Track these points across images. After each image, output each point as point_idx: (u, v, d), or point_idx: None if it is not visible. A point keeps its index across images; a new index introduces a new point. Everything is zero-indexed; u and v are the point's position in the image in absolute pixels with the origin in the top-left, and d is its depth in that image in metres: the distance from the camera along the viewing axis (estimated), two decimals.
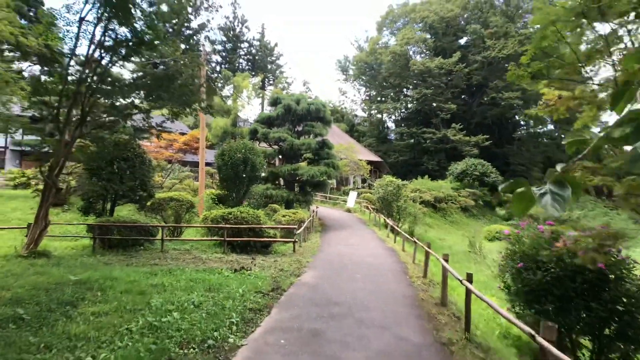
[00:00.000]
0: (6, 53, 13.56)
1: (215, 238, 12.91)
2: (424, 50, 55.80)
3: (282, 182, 22.14)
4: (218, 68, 68.90)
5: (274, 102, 22.30)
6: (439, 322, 6.82)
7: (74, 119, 10.34)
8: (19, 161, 24.27)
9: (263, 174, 20.25)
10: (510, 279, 7.59)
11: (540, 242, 7.24)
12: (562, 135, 60.93)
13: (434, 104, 53.46)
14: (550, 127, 62.09)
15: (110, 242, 11.67)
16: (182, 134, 26.30)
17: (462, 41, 57.93)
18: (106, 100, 11.04)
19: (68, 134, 9.93)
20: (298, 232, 13.32)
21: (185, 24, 13.80)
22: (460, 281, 6.38)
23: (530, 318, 6.86)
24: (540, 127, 62.06)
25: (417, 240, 12.52)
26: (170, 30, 12.85)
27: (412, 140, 55.48)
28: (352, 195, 30.08)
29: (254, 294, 7.41)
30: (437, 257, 8.57)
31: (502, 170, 45.37)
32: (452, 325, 6.90)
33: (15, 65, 12.82)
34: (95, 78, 10.37)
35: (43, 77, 11.01)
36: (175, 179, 22.13)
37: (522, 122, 63.80)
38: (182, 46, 12.74)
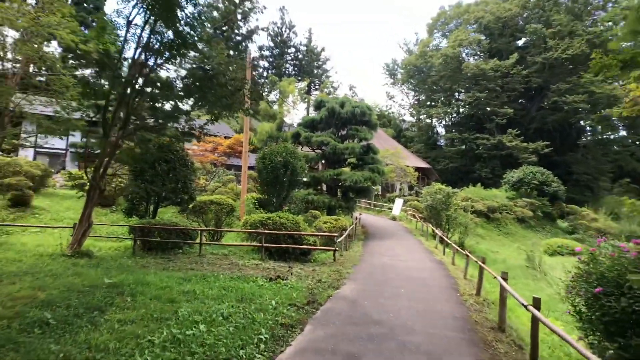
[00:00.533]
0: (71, 61, 14.37)
1: (252, 244, 12.66)
2: (478, 52, 53.27)
3: (324, 188, 21.69)
4: (265, 73, 70.36)
5: (318, 106, 21.95)
6: (496, 352, 5.94)
7: (120, 122, 10.53)
8: (78, 162, 25.90)
9: (305, 179, 19.91)
10: (584, 304, 6.52)
11: (623, 263, 6.17)
12: (637, 142, 55.44)
13: (488, 109, 50.66)
14: (622, 133, 56.75)
15: (150, 245, 11.78)
16: (227, 137, 26.74)
17: (520, 42, 54.58)
18: (151, 103, 11.17)
19: (113, 136, 10.12)
20: (339, 240, 12.74)
21: (235, 31, 13.90)
22: (525, 307, 5.48)
23: (613, 354, 5.78)
24: (609, 133, 56.89)
25: (469, 254, 11.46)
26: (221, 36, 13.02)
27: (464, 147, 52.96)
28: (398, 202, 28.98)
29: (288, 307, 6.93)
30: (494, 274, 7.62)
31: (563, 179, 41.91)
32: (513, 355, 6.01)
33: (78, 72, 13.54)
34: (140, 80, 10.52)
35: (93, 81, 11.33)
36: (219, 182, 22.41)
37: (587, 128, 58.89)
38: (231, 52, 12.78)
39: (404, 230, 22.81)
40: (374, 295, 8.38)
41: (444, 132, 65.02)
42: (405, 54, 68.49)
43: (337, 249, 12.43)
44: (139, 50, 10.55)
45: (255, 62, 65.99)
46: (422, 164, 47.01)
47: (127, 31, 10.42)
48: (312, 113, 38.02)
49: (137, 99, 10.28)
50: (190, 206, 14.06)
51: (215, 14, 12.61)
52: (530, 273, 19.29)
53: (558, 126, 51.83)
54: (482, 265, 9.11)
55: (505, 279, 7.09)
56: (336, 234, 12.56)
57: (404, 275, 10.78)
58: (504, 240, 31.80)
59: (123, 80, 10.37)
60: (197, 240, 12.32)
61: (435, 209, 21.90)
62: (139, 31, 10.52)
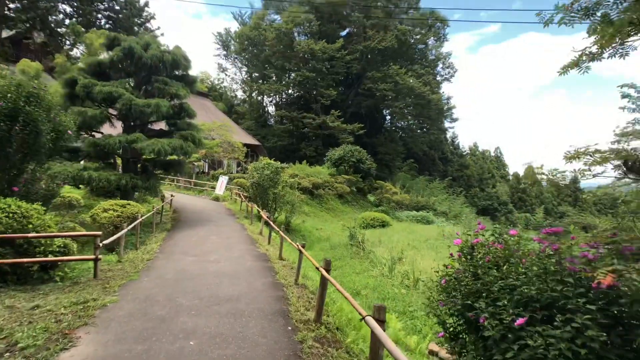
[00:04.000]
0: None
1: None
2: (309, 33, 51.96)
3: (118, 162, 15.22)
4: (67, 21, 53.06)
5: (111, 45, 14.76)
6: None
7: None
8: None
9: (83, 147, 13.09)
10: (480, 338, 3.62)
11: (547, 266, 3.48)
12: (418, 130, 65.15)
13: (314, 92, 50.42)
14: (410, 122, 65.82)
15: None
16: None
17: (344, 32, 56.11)
18: None
19: None
20: (105, 241, 7.40)
21: None
22: None
23: None
24: (402, 121, 65.19)
25: (302, 249, 7.83)
26: None
27: (292, 126, 51.67)
28: (222, 180, 24.27)
29: None
30: (361, 313, 4.06)
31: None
32: None
33: None
34: None
35: None
36: None
37: (388, 117, 66.14)
38: None
39: (225, 213, 18.43)
40: None
41: (274, 111, 62.79)
42: (239, 25, 62.37)
43: (98, 257, 7.10)
44: None
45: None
46: (252, 141, 43.38)
47: None
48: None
49: None
50: None
51: None
52: (354, 251, 17.83)
53: (369, 112, 55.84)
54: (325, 275, 5.52)
55: (380, 321, 3.55)
56: (99, 234, 7.21)
57: (208, 294, 6.48)
58: (326, 216, 31.12)
59: None
60: None
61: (262, 186, 18.27)
62: None
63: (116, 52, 14.05)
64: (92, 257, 7.08)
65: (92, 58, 14.50)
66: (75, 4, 56.49)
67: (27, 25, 46.28)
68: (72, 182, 12.13)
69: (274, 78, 56.59)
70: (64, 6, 53.51)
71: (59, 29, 52.49)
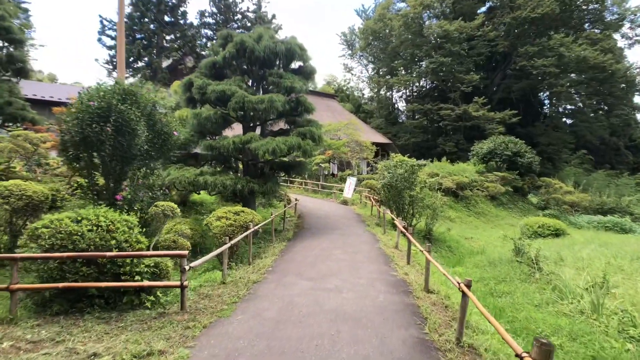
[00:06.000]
0: None
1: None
2: (440, 14, 46.84)
3: (239, 166, 14.70)
4: (209, 44, 60.85)
5: (225, 42, 14.52)
6: None
7: None
8: None
9: (199, 150, 12.79)
10: None
11: None
12: (592, 114, 52.02)
13: (451, 79, 44.86)
14: (580, 103, 52.96)
15: None
16: None
17: (485, 7, 48.85)
18: None
19: None
20: (192, 264, 5.85)
21: None
22: None
23: None
24: (567, 104, 53.15)
25: (467, 291, 4.85)
26: None
27: (426, 121, 47.13)
28: (350, 182, 22.40)
29: None
30: None
31: None
32: None
33: None
34: None
35: None
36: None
37: (546, 101, 54.98)
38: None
39: (354, 219, 16.27)
40: None
41: (405, 106, 59.17)
42: (363, 21, 61.26)
43: (184, 283, 5.57)
44: None
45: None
46: (382, 139, 40.87)
47: None
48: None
49: None
50: None
51: None
52: (524, 271, 13.41)
53: (522, 96, 47.18)
54: None
55: None
56: (184, 253, 5.71)
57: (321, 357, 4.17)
58: (475, 222, 26.21)
59: None
60: None
61: (395, 188, 15.52)
62: None
63: (229, 48, 13.49)
64: (177, 283, 5.60)
65: (207, 59, 14.29)
66: (214, 27, 64.56)
67: (180, 52, 54.41)
68: (190, 188, 11.85)
69: (402, 71, 53.17)
70: (206, 30, 61.40)
71: (202, 52, 60.76)
